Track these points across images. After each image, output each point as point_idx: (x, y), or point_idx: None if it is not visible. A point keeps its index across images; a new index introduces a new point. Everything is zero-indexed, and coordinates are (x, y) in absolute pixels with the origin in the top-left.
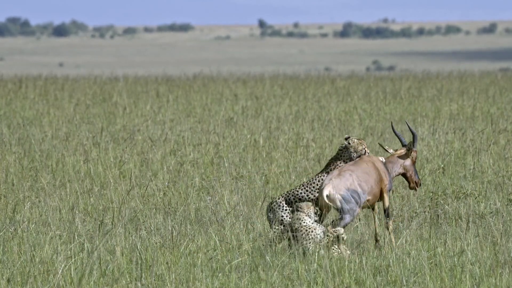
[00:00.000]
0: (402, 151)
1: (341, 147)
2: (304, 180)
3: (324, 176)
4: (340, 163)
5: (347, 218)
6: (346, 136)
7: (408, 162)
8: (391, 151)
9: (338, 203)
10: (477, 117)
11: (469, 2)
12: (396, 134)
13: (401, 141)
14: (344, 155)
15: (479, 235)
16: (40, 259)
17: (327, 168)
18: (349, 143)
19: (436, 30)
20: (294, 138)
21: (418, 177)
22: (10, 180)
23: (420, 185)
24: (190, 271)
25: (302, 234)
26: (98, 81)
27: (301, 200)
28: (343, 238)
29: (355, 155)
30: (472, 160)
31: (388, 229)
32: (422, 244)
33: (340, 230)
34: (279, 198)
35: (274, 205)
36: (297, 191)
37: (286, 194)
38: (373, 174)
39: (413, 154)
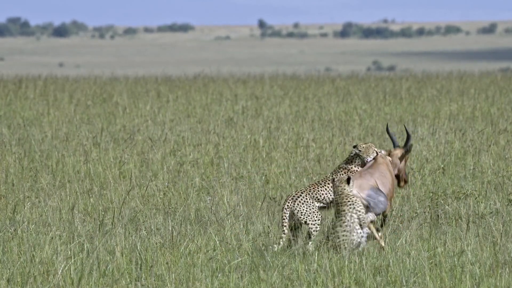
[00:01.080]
0: (398, 152)
1: (352, 154)
2: (305, 180)
3: (340, 174)
4: (352, 167)
5: (377, 210)
6: (354, 144)
7: (402, 164)
8: (383, 152)
9: (364, 201)
10: (477, 117)
11: (469, 2)
12: (389, 135)
13: (393, 142)
14: (355, 161)
15: (479, 235)
16: (40, 259)
17: (338, 171)
18: (359, 150)
19: (436, 30)
20: (294, 138)
21: (406, 174)
22: (10, 180)
23: (407, 181)
24: (190, 271)
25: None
26: (98, 81)
27: (320, 199)
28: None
29: (368, 158)
30: (472, 160)
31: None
32: (422, 244)
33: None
34: (303, 192)
35: (302, 199)
36: (319, 189)
37: (308, 190)
38: (389, 177)
39: (403, 152)
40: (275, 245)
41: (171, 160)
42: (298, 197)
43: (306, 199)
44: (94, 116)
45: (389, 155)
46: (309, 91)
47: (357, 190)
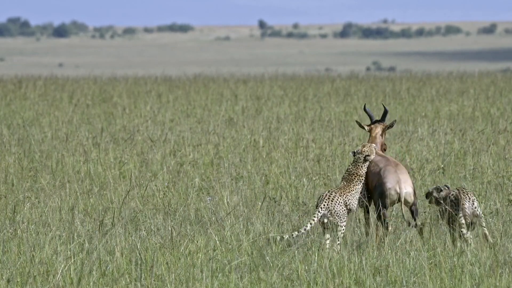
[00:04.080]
0: (379, 129)
1: (360, 161)
2: (305, 181)
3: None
4: (362, 172)
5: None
6: (354, 151)
7: (383, 138)
8: (365, 127)
9: (413, 198)
10: (477, 117)
11: (469, 2)
12: (366, 112)
13: (371, 118)
14: (364, 164)
15: (479, 235)
16: (40, 259)
17: (351, 178)
18: (367, 155)
19: (436, 31)
20: (294, 139)
21: (385, 144)
22: (10, 180)
23: (385, 149)
24: (190, 271)
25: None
26: (98, 82)
27: (347, 204)
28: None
29: (373, 156)
30: (472, 160)
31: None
32: (422, 244)
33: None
34: (336, 193)
35: (338, 200)
36: (348, 195)
37: (340, 193)
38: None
39: (384, 127)
40: (301, 230)
41: (171, 160)
42: (334, 197)
43: (341, 201)
44: (94, 116)
45: (370, 130)
46: (309, 91)
47: (409, 187)
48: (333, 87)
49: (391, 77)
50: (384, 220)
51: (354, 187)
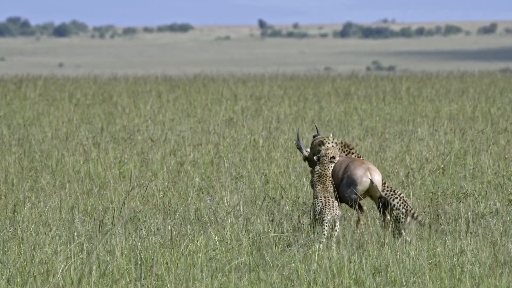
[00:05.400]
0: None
1: (325, 162)
2: (304, 180)
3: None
4: (329, 173)
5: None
6: (318, 156)
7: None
8: (308, 150)
9: (381, 187)
10: (477, 117)
11: (469, 2)
12: (299, 147)
13: (302, 150)
14: (331, 166)
15: (478, 235)
16: (40, 259)
17: (323, 181)
18: (333, 157)
19: (436, 30)
20: (294, 138)
21: None
22: (10, 180)
23: None
24: (190, 271)
25: None
26: (98, 82)
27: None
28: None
29: (337, 158)
30: (472, 160)
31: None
32: (422, 244)
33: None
34: (335, 198)
35: (336, 205)
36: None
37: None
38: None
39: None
40: (317, 244)
41: (171, 160)
42: (334, 203)
43: (337, 205)
44: (94, 116)
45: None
46: (309, 91)
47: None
48: (333, 87)
49: (391, 77)
50: (361, 207)
51: (331, 187)
